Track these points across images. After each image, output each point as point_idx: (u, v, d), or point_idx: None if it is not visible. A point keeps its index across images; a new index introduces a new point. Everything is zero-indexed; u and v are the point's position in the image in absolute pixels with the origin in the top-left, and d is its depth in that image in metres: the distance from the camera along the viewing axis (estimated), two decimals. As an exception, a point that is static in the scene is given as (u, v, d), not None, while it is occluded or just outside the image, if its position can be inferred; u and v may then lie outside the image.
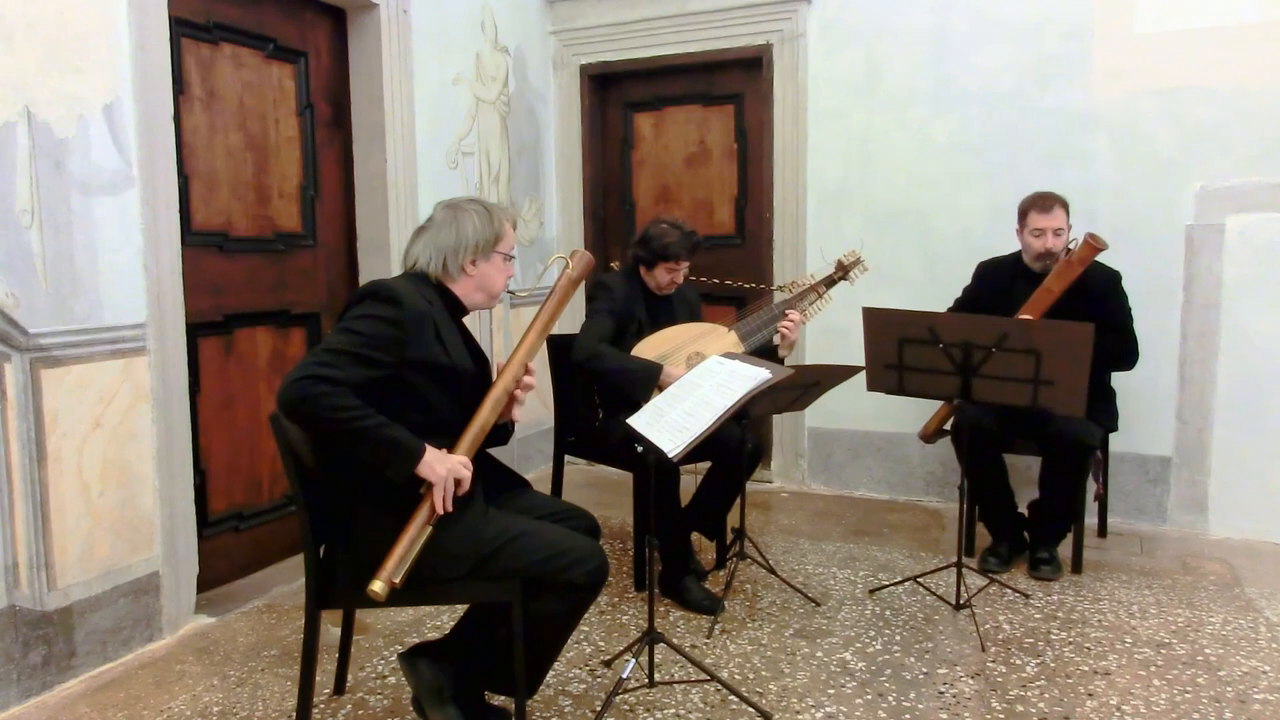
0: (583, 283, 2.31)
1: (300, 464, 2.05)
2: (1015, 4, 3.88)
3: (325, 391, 1.86)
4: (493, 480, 2.22)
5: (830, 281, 3.29)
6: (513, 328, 4.41)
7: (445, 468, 1.94)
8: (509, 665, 2.07)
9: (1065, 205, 3.32)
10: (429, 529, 1.95)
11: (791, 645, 2.76)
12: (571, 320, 3.91)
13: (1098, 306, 3.13)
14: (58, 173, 2.47)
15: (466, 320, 2.25)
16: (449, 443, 2.01)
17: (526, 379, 2.13)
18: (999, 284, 3.44)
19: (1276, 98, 3.52)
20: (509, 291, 4.35)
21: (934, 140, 4.07)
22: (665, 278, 3.18)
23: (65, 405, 2.50)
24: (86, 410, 2.56)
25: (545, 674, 2.20)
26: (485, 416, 2.07)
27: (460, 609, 2.91)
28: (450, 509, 1.95)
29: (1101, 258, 3.26)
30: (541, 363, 3.12)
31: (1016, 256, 3.46)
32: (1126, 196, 3.77)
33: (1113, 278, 3.32)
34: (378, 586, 1.87)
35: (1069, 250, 3.24)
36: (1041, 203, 3.31)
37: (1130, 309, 3.32)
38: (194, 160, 3.03)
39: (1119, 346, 3.25)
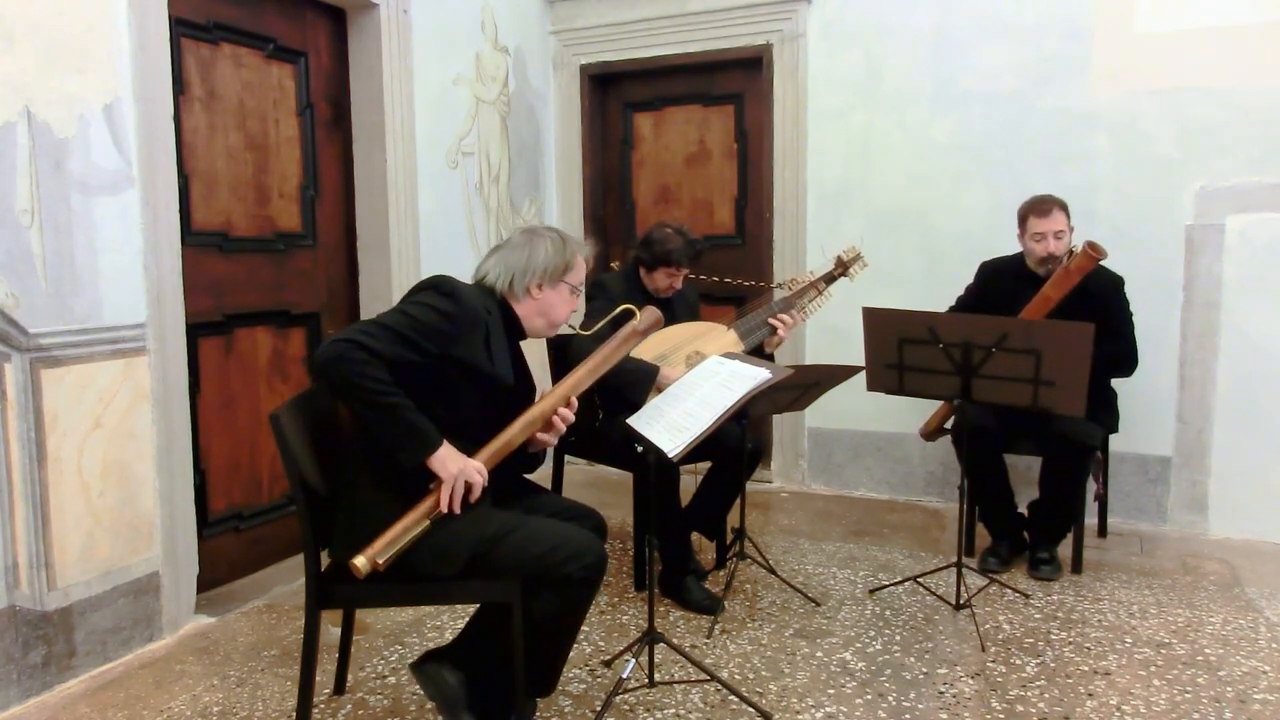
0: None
1: (300, 464, 2.05)
2: (1015, 4, 3.88)
3: (360, 358, 1.89)
4: (509, 489, 2.22)
5: (830, 278, 3.29)
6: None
7: (458, 467, 1.95)
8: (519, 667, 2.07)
9: (1064, 207, 3.29)
10: (426, 523, 1.95)
11: (791, 645, 2.76)
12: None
13: (1098, 311, 3.10)
14: (58, 173, 2.47)
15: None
16: (467, 446, 2.02)
17: (564, 411, 2.14)
18: (1002, 285, 3.43)
19: (1276, 98, 3.52)
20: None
21: (934, 140, 4.07)
22: (664, 282, 3.18)
23: (65, 405, 2.50)
24: (86, 410, 2.56)
25: (558, 673, 2.19)
26: (514, 433, 2.08)
27: (460, 609, 2.92)
28: (455, 510, 1.96)
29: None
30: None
31: (1019, 258, 3.44)
32: (1126, 196, 3.77)
33: (1116, 283, 3.31)
34: (360, 561, 1.88)
35: (1071, 253, 3.22)
36: (1039, 207, 3.28)
37: (1131, 316, 3.31)
38: (194, 160, 3.03)
39: (1117, 352, 3.24)
